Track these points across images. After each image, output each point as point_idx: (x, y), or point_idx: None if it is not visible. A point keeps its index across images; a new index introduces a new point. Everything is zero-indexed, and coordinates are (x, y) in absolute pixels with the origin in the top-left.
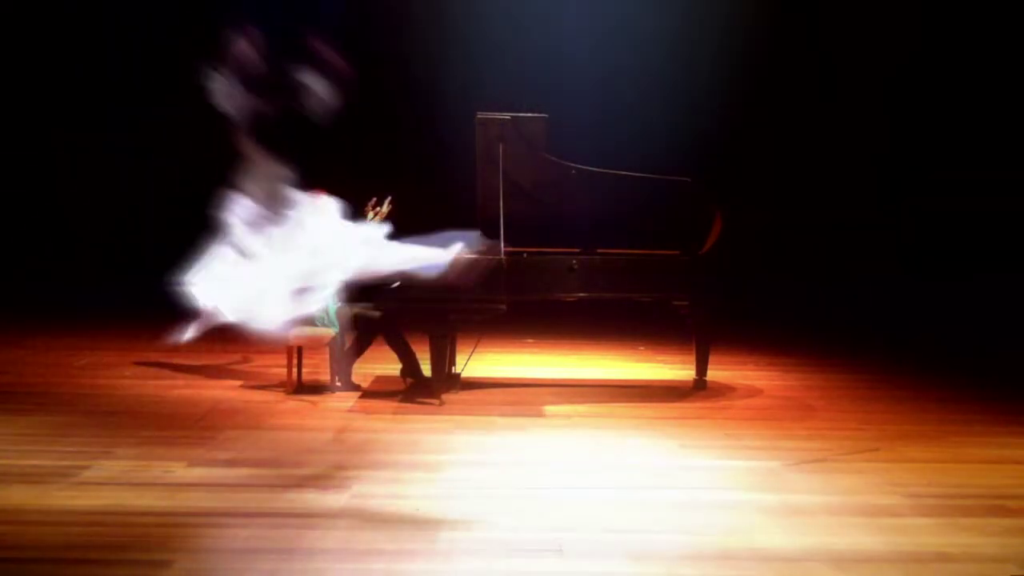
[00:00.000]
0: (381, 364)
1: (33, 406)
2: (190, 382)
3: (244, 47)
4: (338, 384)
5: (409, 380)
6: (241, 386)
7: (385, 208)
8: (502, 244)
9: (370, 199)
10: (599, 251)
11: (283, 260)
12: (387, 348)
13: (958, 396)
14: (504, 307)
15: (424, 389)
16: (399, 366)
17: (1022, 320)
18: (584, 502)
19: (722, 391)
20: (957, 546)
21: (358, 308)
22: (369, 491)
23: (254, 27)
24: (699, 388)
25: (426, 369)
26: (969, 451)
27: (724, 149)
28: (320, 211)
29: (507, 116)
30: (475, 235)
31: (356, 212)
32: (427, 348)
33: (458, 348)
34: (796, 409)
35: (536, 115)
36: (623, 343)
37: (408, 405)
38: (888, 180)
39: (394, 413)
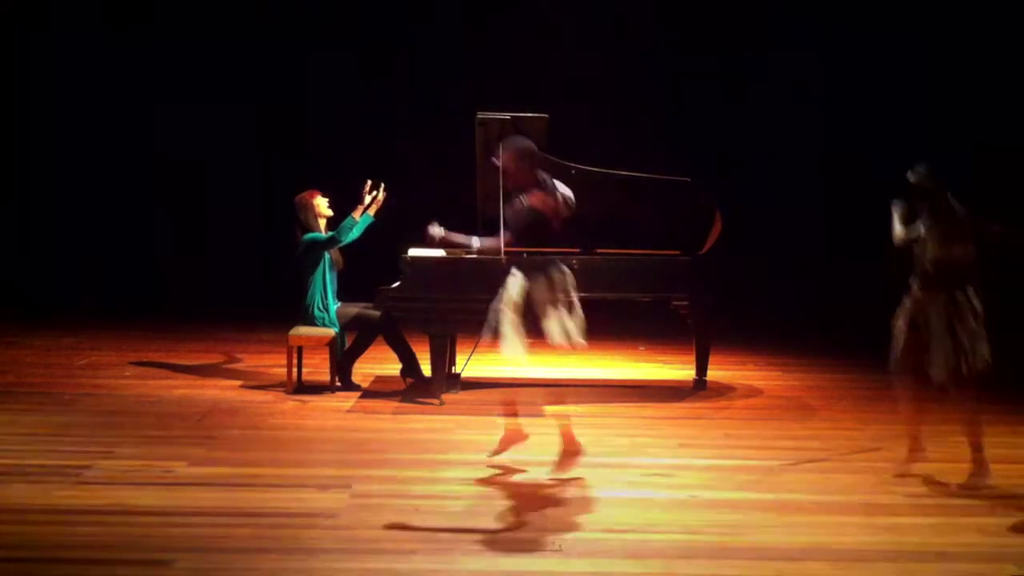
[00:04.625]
0: (381, 364)
1: (33, 405)
2: (190, 382)
3: None
4: (338, 384)
5: (409, 380)
6: (241, 386)
7: (380, 195)
8: (502, 244)
9: (365, 184)
10: (599, 251)
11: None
12: (387, 348)
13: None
14: None
15: (424, 389)
16: (399, 366)
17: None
18: (584, 502)
19: (722, 391)
20: (956, 545)
21: (358, 308)
22: (369, 491)
23: None
24: (699, 388)
25: (426, 369)
26: (968, 452)
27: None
28: None
29: (507, 116)
30: None
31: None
32: (427, 348)
33: (458, 348)
34: (796, 409)
35: (536, 115)
36: (623, 343)
37: (408, 405)
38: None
39: (394, 413)
